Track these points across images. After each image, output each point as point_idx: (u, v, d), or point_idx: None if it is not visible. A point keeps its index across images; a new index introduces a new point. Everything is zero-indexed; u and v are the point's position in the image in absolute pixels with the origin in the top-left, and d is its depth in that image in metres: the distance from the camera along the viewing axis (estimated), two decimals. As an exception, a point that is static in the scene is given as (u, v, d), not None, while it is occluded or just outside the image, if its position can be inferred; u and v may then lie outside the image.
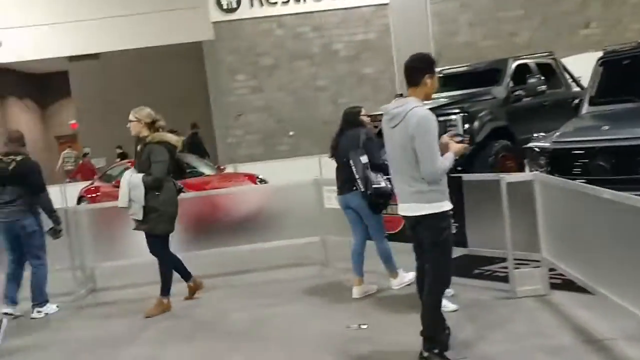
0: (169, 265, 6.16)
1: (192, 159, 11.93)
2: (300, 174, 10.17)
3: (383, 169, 5.30)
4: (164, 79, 18.70)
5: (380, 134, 5.64)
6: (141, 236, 6.36)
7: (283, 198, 7.65)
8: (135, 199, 5.83)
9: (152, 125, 5.99)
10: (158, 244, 6.07)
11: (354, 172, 5.60)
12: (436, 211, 3.98)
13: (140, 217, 5.87)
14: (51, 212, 6.51)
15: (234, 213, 7.79)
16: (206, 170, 11.34)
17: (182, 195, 6.84)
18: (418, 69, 4.08)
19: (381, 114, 4.49)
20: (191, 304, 6.32)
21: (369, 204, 5.62)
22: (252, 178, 10.50)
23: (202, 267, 7.52)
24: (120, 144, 18.20)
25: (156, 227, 5.91)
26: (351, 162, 5.64)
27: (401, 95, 4.59)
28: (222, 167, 12.22)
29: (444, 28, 16.56)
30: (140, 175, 5.88)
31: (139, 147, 6.06)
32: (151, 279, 6.64)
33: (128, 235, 7.15)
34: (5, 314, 6.24)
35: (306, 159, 14.23)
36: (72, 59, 19.08)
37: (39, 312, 6.45)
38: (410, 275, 5.59)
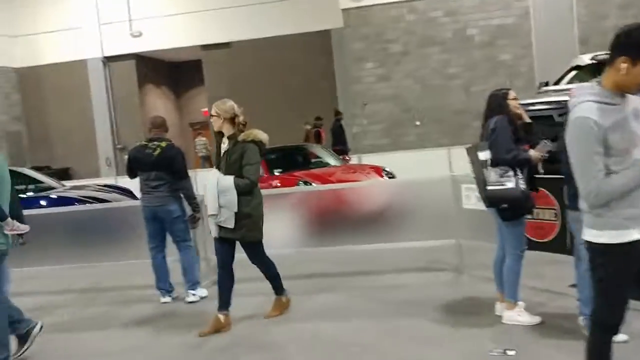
0: (272, 265, 5.54)
1: (317, 149, 11.48)
2: (427, 167, 9.44)
3: (516, 164, 4.48)
4: (290, 68, 18.48)
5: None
6: (278, 229, 6.00)
7: (414, 194, 6.88)
8: (227, 204, 5.04)
9: (232, 122, 5.18)
10: (255, 251, 5.38)
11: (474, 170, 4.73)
12: (591, 240, 2.90)
13: (232, 224, 5.08)
14: (192, 199, 6.30)
15: (358, 208, 7.15)
16: (331, 161, 10.83)
17: (303, 187, 6.35)
18: (616, 45, 2.79)
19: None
20: (309, 305, 5.80)
21: (497, 210, 4.67)
22: (378, 170, 9.85)
23: (322, 264, 7.02)
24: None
25: (249, 234, 5.18)
26: (469, 158, 4.78)
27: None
28: (347, 158, 11.66)
29: (590, 10, 14.99)
30: (230, 177, 5.06)
31: (224, 146, 5.22)
32: (282, 272, 6.32)
33: None
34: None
35: (434, 150, 13.39)
36: (204, 47, 19.35)
37: (193, 294, 6.24)
38: (526, 319, 4.63)
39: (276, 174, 9.91)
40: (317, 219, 7.02)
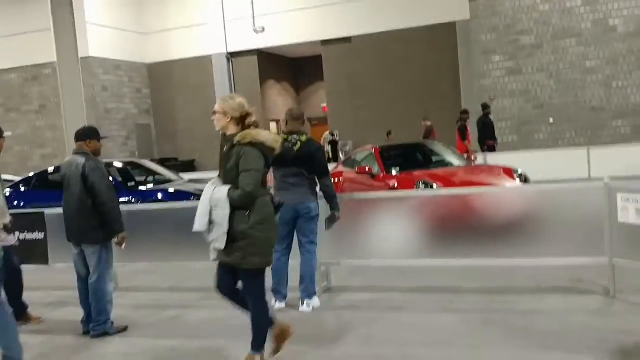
0: (265, 309, 4.30)
1: (437, 147, 10.56)
2: (562, 169, 8.35)
3: None
4: (411, 62, 17.63)
5: None
6: (391, 236, 5.27)
7: (557, 202, 5.87)
8: (217, 220, 4.06)
9: (240, 121, 4.19)
10: (252, 282, 4.22)
11: None
12: None
13: (222, 245, 4.07)
14: (333, 197, 5.72)
15: (488, 216, 6.24)
16: (454, 160, 9.89)
17: (422, 192, 5.50)
18: None
19: None
20: (426, 324, 5.03)
21: None
22: (509, 172, 8.78)
23: (443, 279, 6.21)
24: (367, 127, 17.59)
25: (246, 260, 4.09)
26: None
27: None
28: (473, 157, 10.62)
29: None
30: (225, 188, 4.07)
31: (225, 149, 4.24)
32: (394, 283, 5.82)
33: (371, 232, 6.21)
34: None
35: (568, 151, 12.10)
36: (324, 43, 18.93)
37: (308, 304, 5.68)
38: None
39: (393, 173, 9.14)
40: (438, 226, 6.21)
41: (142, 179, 11.05)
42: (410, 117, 16.75)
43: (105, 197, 5.36)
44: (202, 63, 19.97)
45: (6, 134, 6.05)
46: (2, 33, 18.97)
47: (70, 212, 5.48)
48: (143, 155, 19.77)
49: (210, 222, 4.09)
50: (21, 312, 6.15)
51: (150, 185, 10.53)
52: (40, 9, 17.95)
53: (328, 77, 19.25)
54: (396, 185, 8.48)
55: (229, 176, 4.11)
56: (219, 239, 4.08)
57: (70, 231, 5.54)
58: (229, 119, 4.18)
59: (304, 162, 5.62)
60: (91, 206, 5.36)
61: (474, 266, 6.07)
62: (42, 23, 18.02)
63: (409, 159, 9.87)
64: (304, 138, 5.68)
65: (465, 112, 14.62)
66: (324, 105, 20.51)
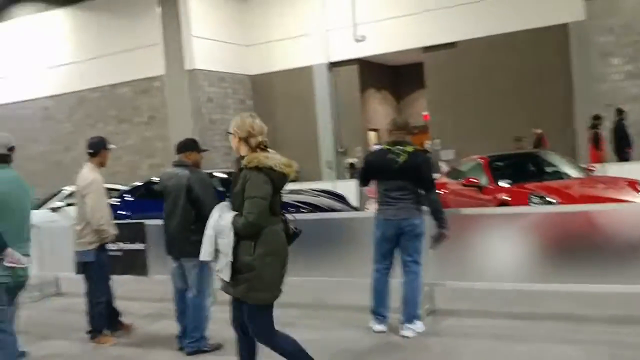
0: (286, 347, 3.95)
1: (551, 156, 9.78)
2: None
3: None
4: (520, 68, 16.67)
5: None
6: (495, 255, 4.84)
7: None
8: (222, 249, 3.81)
9: (248, 142, 3.89)
10: (257, 318, 3.89)
11: None
12: None
13: (227, 276, 3.80)
14: (440, 214, 5.29)
15: (612, 236, 5.53)
16: (570, 171, 9.09)
17: (537, 208, 4.93)
18: None
19: None
20: (538, 356, 4.46)
21: None
22: (634, 184, 7.93)
23: (557, 305, 5.60)
24: (471, 136, 16.82)
25: (250, 293, 3.78)
26: None
27: None
28: (591, 168, 9.72)
29: None
30: (231, 215, 3.82)
31: (234, 171, 4.05)
32: (505, 308, 5.44)
33: (480, 251, 5.71)
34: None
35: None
36: (426, 49, 18.35)
37: (410, 329, 5.27)
38: None
39: (503, 185, 8.51)
40: (555, 246, 5.59)
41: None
42: (517, 125, 15.83)
43: (211, 209, 5.22)
44: (303, 73, 19.96)
45: (111, 146, 6.07)
46: (116, 49, 19.84)
47: (171, 224, 5.37)
48: (245, 165, 19.99)
49: (216, 250, 3.85)
50: (114, 319, 6.16)
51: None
52: (151, 25, 18.68)
53: (430, 85, 18.63)
54: (507, 199, 7.87)
55: (236, 201, 3.85)
56: (223, 270, 3.81)
57: (170, 244, 5.44)
58: (238, 139, 3.92)
59: (409, 174, 5.21)
60: (194, 219, 5.23)
61: (595, 292, 5.41)
62: (152, 38, 18.69)
63: (520, 170, 9.21)
64: (409, 149, 5.28)
65: (598, 117, 13.52)
66: (425, 113, 19.90)
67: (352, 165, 19.02)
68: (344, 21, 19.11)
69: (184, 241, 5.25)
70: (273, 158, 3.82)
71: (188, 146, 5.50)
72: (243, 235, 3.75)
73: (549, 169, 9.16)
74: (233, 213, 3.81)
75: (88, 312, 5.93)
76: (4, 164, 4.35)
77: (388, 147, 5.36)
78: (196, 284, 5.29)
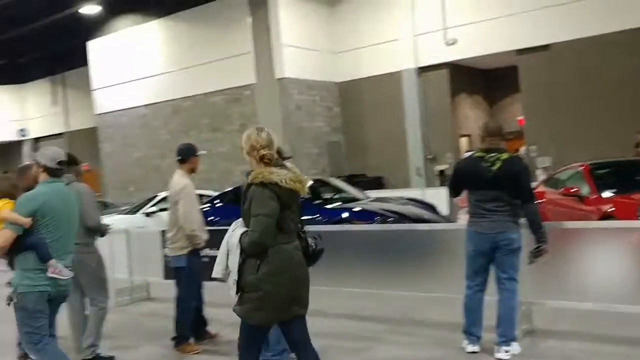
0: None
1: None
2: None
3: None
4: (618, 69, 15.56)
5: None
6: (601, 273, 4.60)
7: None
8: (231, 266, 3.68)
9: (253, 154, 3.76)
10: (250, 338, 3.76)
11: None
12: None
13: (234, 294, 3.69)
14: (538, 227, 4.82)
15: None
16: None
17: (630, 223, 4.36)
18: None
19: None
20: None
21: None
22: None
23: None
24: (569, 142, 15.86)
25: (250, 313, 3.65)
26: None
27: None
28: None
29: None
30: (240, 231, 3.70)
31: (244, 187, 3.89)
32: (614, 331, 4.98)
33: (584, 268, 5.20)
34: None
35: None
36: (520, 52, 17.52)
37: (506, 351, 4.86)
38: None
39: (607, 195, 7.82)
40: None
41: (329, 196, 10.82)
42: (619, 130, 14.77)
43: None
44: (392, 79, 19.59)
45: (200, 152, 6.02)
46: (208, 59, 20.27)
47: None
48: (333, 172, 19.85)
49: (227, 268, 3.71)
50: (201, 328, 6.09)
51: (336, 203, 10.24)
52: (242, 34, 18.94)
53: (525, 88, 17.76)
54: (611, 211, 7.21)
55: (246, 218, 3.70)
56: (231, 288, 3.68)
57: None
58: (246, 154, 3.82)
59: (505, 184, 4.79)
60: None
61: None
62: (243, 47, 18.93)
63: (626, 179, 8.44)
64: (504, 156, 4.86)
65: None
66: (520, 118, 19.00)
67: (442, 172, 18.45)
68: (434, 25, 18.60)
69: None
70: (279, 173, 3.62)
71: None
72: (248, 253, 3.61)
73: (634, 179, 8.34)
74: (243, 229, 3.68)
75: (176, 318, 5.90)
76: (54, 178, 4.37)
77: (480, 154, 4.96)
78: None
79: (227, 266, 3.72)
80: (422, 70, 19.33)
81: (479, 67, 20.89)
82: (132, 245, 8.20)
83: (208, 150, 20.04)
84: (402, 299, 6.36)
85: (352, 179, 18.85)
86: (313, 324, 6.33)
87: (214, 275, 3.81)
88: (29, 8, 21.12)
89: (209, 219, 10.19)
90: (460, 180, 5.11)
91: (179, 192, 5.72)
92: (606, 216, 7.25)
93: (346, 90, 20.73)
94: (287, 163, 3.86)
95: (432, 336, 5.64)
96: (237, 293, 3.66)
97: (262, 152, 3.72)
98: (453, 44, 18.38)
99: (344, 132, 21.09)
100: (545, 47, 16.91)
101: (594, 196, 7.80)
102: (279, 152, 4.32)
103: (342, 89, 20.81)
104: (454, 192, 5.26)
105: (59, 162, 4.38)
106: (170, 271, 6.42)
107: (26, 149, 30.57)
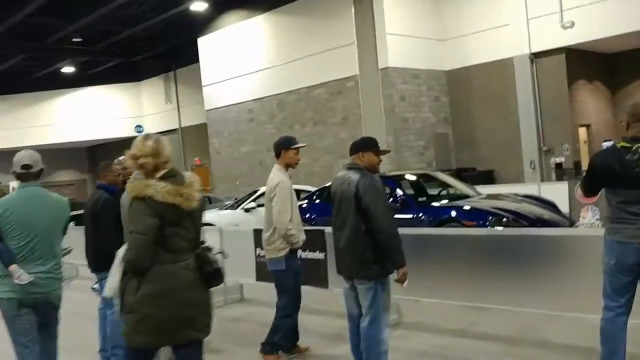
0: None
1: None
2: None
3: None
4: None
5: None
6: None
7: None
8: (112, 285, 3.36)
9: (135, 163, 3.35)
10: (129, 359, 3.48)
11: None
12: None
13: (118, 314, 3.37)
14: None
15: None
16: None
17: None
18: None
19: None
20: None
21: None
22: None
23: None
24: None
25: (130, 335, 3.24)
26: None
27: None
28: None
29: None
30: (124, 248, 3.31)
31: None
32: None
33: None
34: None
35: None
36: (650, 32, 15.57)
37: None
38: None
39: None
40: None
41: (435, 192, 9.89)
42: None
43: (382, 223, 4.23)
44: (503, 66, 18.16)
45: (296, 145, 5.34)
46: (312, 51, 19.79)
47: (341, 238, 4.50)
48: (440, 165, 18.76)
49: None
50: (292, 341, 5.44)
51: (443, 201, 9.30)
52: (345, 25, 18.22)
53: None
54: None
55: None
56: (117, 306, 3.36)
57: (340, 261, 4.57)
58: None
59: None
60: (364, 233, 4.30)
61: None
62: (346, 38, 18.23)
63: None
64: None
65: None
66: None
67: (558, 165, 16.84)
68: (549, 7, 16.98)
69: (356, 259, 4.35)
70: (156, 186, 3.19)
71: (362, 146, 4.57)
72: (128, 273, 3.24)
73: None
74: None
75: (274, 324, 5.30)
76: (24, 183, 4.20)
77: (625, 144, 3.91)
78: (371, 311, 4.36)
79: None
80: (536, 56, 17.75)
81: (599, 51, 18.94)
82: (224, 244, 7.73)
83: (310, 144, 19.73)
84: (519, 315, 5.38)
85: (460, 173, 17.71)
86: (417, 339, 5.57)
87: (104, 293, 3.56)
88: (141, 7, 21.58)
89: (306, 216, 9.59)
90: (598, 176, 4.06)
91: (273, 189, 5.14)
92: None
93: (454, 78, 19.53)
94: (188, 173, 3.40)
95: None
96: (121, 313, 3.31)
97: (141, 160, 3.29)
98: (570, 27, 16.70)
99: (452, 123, 19.90)
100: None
101: None
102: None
103: (450, 77, 19.63)
104: (590, 191, 4.22)
105: (23, 167, 4.17)
106: (265, 273, 5.87)
107: (143, 144, 31.62)
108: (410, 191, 9.55)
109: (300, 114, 20.70)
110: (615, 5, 15.79)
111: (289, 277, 5.22)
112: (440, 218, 8.43)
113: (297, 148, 5.30)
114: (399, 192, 9.06)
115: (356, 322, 4.52)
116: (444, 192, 9.82)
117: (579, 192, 4.29)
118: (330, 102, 19.88)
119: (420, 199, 9.28)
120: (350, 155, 4.58)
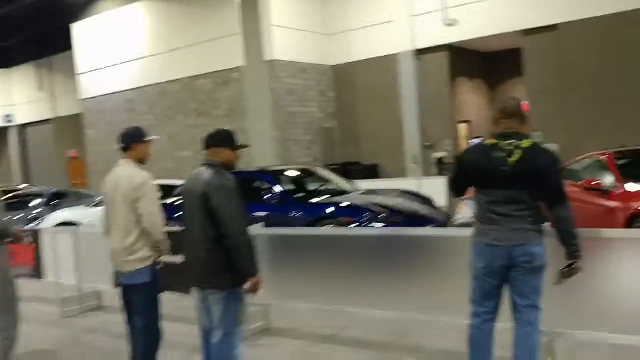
0: None
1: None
2: None
3: None
4: (631, 51, 14.23)
5: None
6: None
7: None
8: None
9: None
10: None
11: None
12: None
13: None
14: (572, 237, 3.51)
15: None
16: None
17: None
18: None
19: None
20: None
21: None
22: None
23: None
24: (581, 129, 14.55)
25: None
26: None
27: None
28: None
29: None
30: None
31: None
32: None
33: (618, 289, 3.92)
34: None
35: None
36: (526, 33, 16.12)
37: None
38: None
39: (633, 187, 6.53)
40: None
41: (313, 189, 9.53)
42: (635, 115, 13.48)
43: (232, 227, 3.71)
44: (388, 62, 18.22)
45: (152, 137, 4.63)
46: (195, 41, 18.94)
47: (191, 244, 3.94)
48: (327, 160, 18.56)
49: None
50: None
51: (322, 197, 8.95)
52: (230, 14, 17.53)
53: (530, 72, 16.37)
54: (642, 209, 5.93)
55: None
56: None
57: (190, 270, 4.00)
58: None
59: (526, 180, 3.49)
60: (215, 239, 3.77)
61: None
62: (232, 28, 17.55)
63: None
64: (525, 144, 3.55)
65: None
66: (524, 103, 17.67)
67: (439, 160, 17.14)
68: (433, 5, 17.20)
69: (206, 267, 3.81)
70: None
71: (218, 141, 4.02)
72: None
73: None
74: None
75: (143, 351, 4.36)
76: None
77: (494, 141, 3.65)
78: (222, 326, 3.83)
79: None
80: (420, 52, 17.94)
81: (480, 50, 19.52)
82: (80, 247, 6.92)
83: (193, 137, 18.91)
84: (393, 319, 5.06)
85: (345, 168, 17.60)
86: (286, 347, 5.14)
87: None
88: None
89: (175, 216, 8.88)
90: (465, 175, 3.77)
91: (139, 188, 4.24)
92: (637, 214, 5.99)
93: (341, 74, 19.39)
94: None
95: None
96: None
97: None
98: (453, 24, 17.00)
99: (338, 118, 19.77)
100: (551, 28, 15.55)
101: (621, 190, 6.50)
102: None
103: (337, 72, 19.47)
104: (457, 191, 3.95)
105: None
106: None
107: (13, 135, 29.23)
108: (289, 187, 9.13)
109: (184, 105, 19.77)
110: (496, 5, 16.24)
111: (154, 291, 4.47)
112: (318, 215, 8.06)
113: (149, 141, 4.62)
114: (277, 188, 8.62)
115: (209, 338, 3.99)
116: (322, 188, 9.49)
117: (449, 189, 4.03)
118: (215, 93, 19.11)
119: (298, 196, 8.88)
120: (205, 149, 4.02)
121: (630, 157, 7.36)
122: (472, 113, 19.07)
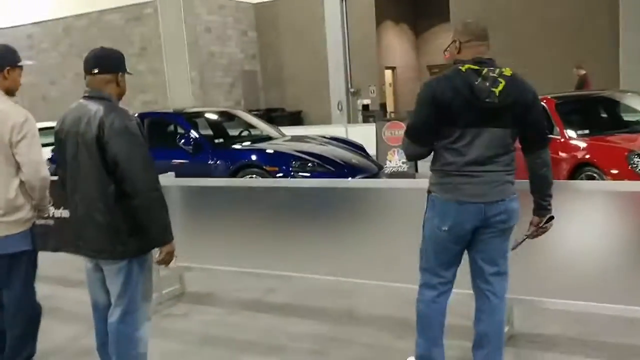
0: None
1: (632, 99, 7.30)
2: None
3: None
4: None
5: None
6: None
7: None
8: None
9: None
10: None
11: None
12: None
13: None
14: (548, 186, 2.91)
15: None
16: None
17: None
18: None
19: None
20: None
21: None
22: None
23: None
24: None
25: None
26: None
27: None
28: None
29: None
30: None
31: None
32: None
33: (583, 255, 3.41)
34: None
35: None
36: (453, -25, 15.60)
37: None
38: None
39: (576, 136, 6.13)
40: None
41: (235, 134, 8.68)
42: (557, 64, 13.34)
43: (139, 182, 2.82)
44: (313, 3, 17.24)
45: (23, 62, 3.56)
46: (104, -30, 17.23)
47: (79, 202, 3.03)
48: (249, 105, 17.59)
49: None
50: None
51: (245, 143, 8.12)
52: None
53: (455, 18, 15.93)
54: (589, 158, 5.52)
55: None
56: None
57: (78, 235, 3.11)
58: None
59: (514, 116, 2.76)
60: (114, 196, 2.88)
61: None
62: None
63: (594, 118, 6.78)
64: (508, 72, 2.80)
65: None
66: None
67: (365, 107, 16.58)
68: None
69: (101, 231, 2.94)
70: None
71: (110, 64, 3.06)
72: None
73: (632, 117, 6.73)
74: None
75: (20, 333, 3.50)
76: None
77: (472, 66, 2.82)
78: (123, 302, 3.01)
79: None
80: (346, -7, 17.05)
81: (407, -7, 18.89)
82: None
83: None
84: (324, 283, 4.39)
85: (269, 114, 16.74)
86: (202, 316, 4.43)
87: None
88: None
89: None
90: (438, 117, 2.81)
91: (20, 128, 3.23)
92: (581, 164, 5.59)
93: (263, 13, 18.25)
94: None
95: (367, 339, 3.78)
96: None
97: None
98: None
99: (260, 61, 18.71)
100: (479, -29, 15.08)
101: (563, 139, 6.07)
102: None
103: (259, 11, 18.31)
104: (424, 138, 2.94)
105: None
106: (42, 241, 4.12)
107: None
108: (206, 132, 8.22)
109: (92, 42, 17.89)
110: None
111: (34, 260, 3.57)
112: (239, 162, 7.24)
113: (22, 67, 3.59)
114: (193, 133, 7.70)
115: (103, 314, 3.16)
116: (245, 134, 8.64)
117: (405, 145, 3.16)
118: (126, 29, 17.54)
119: (217, 141, 8.00)
120: (88, 75, 3.05)
121: (571, 103, 6.95)
122: (397, 59, 18.53)
